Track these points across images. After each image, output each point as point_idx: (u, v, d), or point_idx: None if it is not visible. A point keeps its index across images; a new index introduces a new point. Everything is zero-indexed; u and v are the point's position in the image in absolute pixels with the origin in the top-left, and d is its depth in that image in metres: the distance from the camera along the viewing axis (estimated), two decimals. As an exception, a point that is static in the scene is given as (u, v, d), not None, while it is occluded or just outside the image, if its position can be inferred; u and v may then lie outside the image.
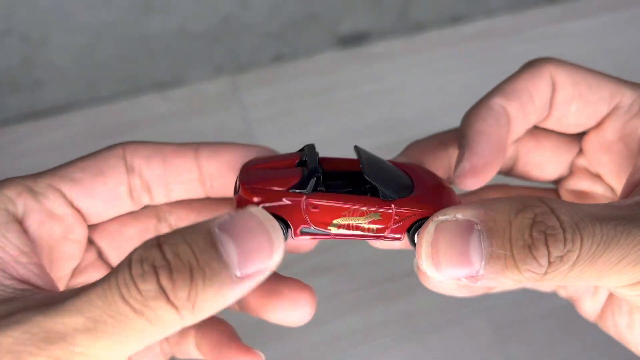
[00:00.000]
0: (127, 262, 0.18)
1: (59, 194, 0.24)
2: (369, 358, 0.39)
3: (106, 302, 0.18)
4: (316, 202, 0.22)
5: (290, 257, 0.44)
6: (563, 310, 0.42)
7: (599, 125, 0.26)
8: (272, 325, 0.40)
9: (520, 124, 0.26)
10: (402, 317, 0.41)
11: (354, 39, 0.58)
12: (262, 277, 0.20)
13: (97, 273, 0.26)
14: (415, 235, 0.22)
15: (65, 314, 0.18)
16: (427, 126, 0.51)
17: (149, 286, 0.18)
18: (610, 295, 0.26)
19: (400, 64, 0.56)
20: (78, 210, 0.24)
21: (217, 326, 0.25)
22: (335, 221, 0.22)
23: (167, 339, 0.26)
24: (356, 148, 0.24)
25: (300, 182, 0.22)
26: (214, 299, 0.19)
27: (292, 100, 0.53)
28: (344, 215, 0.22)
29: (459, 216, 0.20)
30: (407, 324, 0.41)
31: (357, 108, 0.52)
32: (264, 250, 0.19)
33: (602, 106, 0.26)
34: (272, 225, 0.20)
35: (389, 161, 0.25)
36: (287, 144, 0.50)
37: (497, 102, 0.25)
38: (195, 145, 0.25)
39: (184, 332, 0.25)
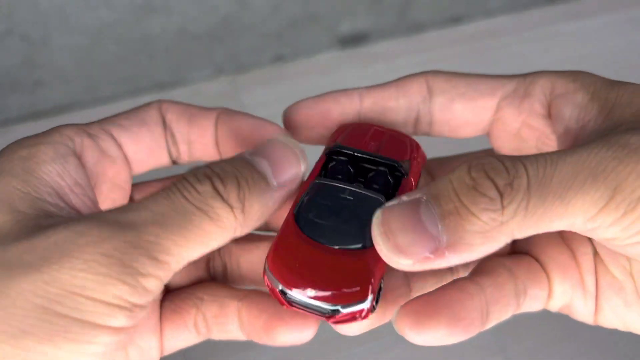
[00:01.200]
0: (182, 176, 0.21)
1: (110, 137, 0.25)
2: (368, 358, 0.39)
3: (170, 201, 0.20)
4: None
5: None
6: (563, 310, 0.42)
7: (498, 120, 0.26)
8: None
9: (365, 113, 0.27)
10: (402, 316, 0.41)
11: (353, 39, 0.58)
12: (294, 185, 0.23)
13: None
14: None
15: (134, 210, 0.20)
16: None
17: (206, 187, 0.21)
18: (600, 283, 0.25)
19: (400, 64, 0.56)
20: (125, 156, 0.26)
21: (260, 294, 0.25)
22: None
23: (204, 316, 0.26)
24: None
25: None
26: (259, 203, 0.21)
27: (292, 101, 0.53)
28: None
29: (404, 198, 0.20)
30: (407, 323, 0.41)
31: (357, 108, 0.52)
32: (292, 161, 0.23)
33: (486, 100, 0.26)
34: (295, 143, 0.24)
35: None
36: (287, 144, 0.50)
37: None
38: (219, 110, 0.27)
39: (224, 303, 0.26)
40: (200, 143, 0.27)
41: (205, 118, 0.27)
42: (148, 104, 0.27)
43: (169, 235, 0.20)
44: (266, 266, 0.22)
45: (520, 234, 0.19)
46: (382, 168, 0.24)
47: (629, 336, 0.40)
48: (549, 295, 0.25)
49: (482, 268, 0.24)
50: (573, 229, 0.20)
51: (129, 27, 0.48)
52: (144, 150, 0.26)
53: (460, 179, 0.19)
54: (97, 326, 0.19)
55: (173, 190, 0.21)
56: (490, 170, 0.19)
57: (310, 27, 0.54)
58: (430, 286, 0.24)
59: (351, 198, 0.22)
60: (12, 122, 0.50)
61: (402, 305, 0.22)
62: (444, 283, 0.23)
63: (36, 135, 0.24)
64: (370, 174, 0.24)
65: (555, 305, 0.26)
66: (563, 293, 0.25)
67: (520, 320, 0.41)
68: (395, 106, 0.27)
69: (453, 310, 0.22)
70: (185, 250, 0.20)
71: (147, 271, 0.19)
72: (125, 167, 0.26)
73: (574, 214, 0.19)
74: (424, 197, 0.19)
